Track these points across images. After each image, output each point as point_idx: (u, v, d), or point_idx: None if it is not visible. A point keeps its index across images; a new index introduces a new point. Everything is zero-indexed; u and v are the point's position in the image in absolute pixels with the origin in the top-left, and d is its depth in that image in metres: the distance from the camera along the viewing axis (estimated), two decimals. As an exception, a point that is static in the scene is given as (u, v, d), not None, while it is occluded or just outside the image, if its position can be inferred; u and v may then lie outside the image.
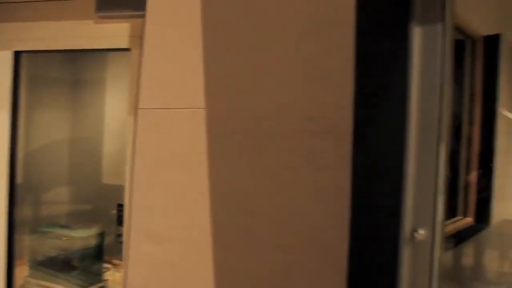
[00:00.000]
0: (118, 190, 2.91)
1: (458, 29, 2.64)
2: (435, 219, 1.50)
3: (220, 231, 1.31)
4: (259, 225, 1.40)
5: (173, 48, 1.44)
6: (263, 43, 1.35)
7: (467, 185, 2.79)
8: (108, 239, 4.27)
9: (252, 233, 1.38)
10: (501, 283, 3.12)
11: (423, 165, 1.48)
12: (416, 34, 1.49)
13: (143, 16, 1.56)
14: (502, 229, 3.00)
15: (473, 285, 3.19)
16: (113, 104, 5.08)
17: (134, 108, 2.16)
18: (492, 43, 2.74)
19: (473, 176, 2.77)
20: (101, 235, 4.29)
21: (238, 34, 1.30)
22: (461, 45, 2.78)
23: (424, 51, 1.48)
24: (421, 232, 1.49)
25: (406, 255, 1.51)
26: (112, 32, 2.77)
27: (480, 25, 2.71)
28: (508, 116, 2.93)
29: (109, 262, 4.22)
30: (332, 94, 1.30)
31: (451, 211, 2.85)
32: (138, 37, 2.62)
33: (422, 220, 1.50)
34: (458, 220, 2.76)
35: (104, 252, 4.27)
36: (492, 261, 3.05)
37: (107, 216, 3.50)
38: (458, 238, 2.64)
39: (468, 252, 2.93)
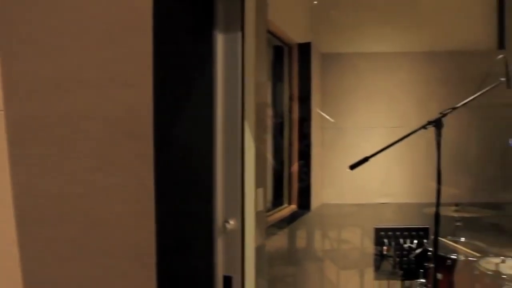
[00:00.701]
0: None
1: (276, 36, 2.93)
2: (244, 209, 1.64)
3: (27, 241, 1.22)
4: (67, 231, 1.34)
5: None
6: (64, 45, 1.30)
7: (290, 176, 3.13)
8: None
9: (61, 240, 1.32)
10: (325, 258, 3.58)
11: (231, 161, 1.61)
12: (219, 41, 1.61)
13: None
14: (321, 212, 3.44)
15: (304, 263, 3.59)
16: None
17: None
18: (305, 49, 3.12)
19: (295, 167, 3.11)
20: None
21: (38, 35, 1.24)
22: (280, 51, 3.10)
23: (227, 56, 1.61)
24: (232, 222, 1.62)
25: (219, 244, 1.63)
26: None
27: (295, 33, 3.06)
28: (321, 114, 3.37)
29: None
30: (134, 96, 1.33)
31: (278, 200, 3.16)
32: None
33: (232, 211, 1.63)
34: (284, 208, 3.08)
35: None
36: (316, 241, 3.48)
37: None
38: (285, 224, 2.94)
39: (295, 235, 3.28)
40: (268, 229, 2.63)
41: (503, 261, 2.53)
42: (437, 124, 2.22)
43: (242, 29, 1.62)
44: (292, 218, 3.06)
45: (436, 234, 2.36)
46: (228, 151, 1.61)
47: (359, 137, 3.30)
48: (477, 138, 3.62)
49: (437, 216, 2.34)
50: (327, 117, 3.39)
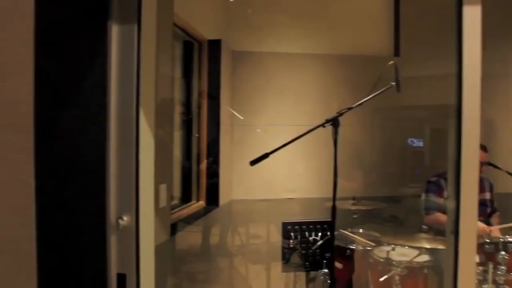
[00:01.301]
0: None
1: (186, 32, 2.91)
2: (139, 205, 1.60)
3: None
4: None
5: None
6: None
7: (199, 173, 3.13)
8: None
9: None
10: (235, 253, 3.64)
11: (124, 156, 1.57)
12: (114, 32, 1.56)
13: None
14: (229, 208, 3.49)
15: (213, 259, 3.61)
16: None
17: None
18: (215, 46, 3.13)
19: (204, 164, 3.12)
20: None
21: None
22: (190, 46, 3.08)
23: (122, 48, 1.56)
24: (126, 219, 1.58)
25: (112, 241, 1.58)
26: None
27: (206, 30, 3.06)
28: (231, 111, 3.42)
29: None
30: (12, 88, 1.24)
31: (187, 196, 3.14)
32: None
33: (126, 207, 1.59)
34: (192, 204, 3.07)
35: None
36: (224, 237, 3.52)
37: None
38: (192, 220, 2.93)
39: (203, 231, 3.29)
40: (174, 225, 2.61)
41: (393, 249, 2.77)
42: (334, 122, 2.36)
43: (139, 21, 1.58)
44: (199, 215, 3.07)
45: (333, 227, 2.52)
46: (121, 146, 1.57)
47: (267, 134, 3.40)
48: (381, 137, 3.90)
49: (333, 209, 2.49)
50: (237, 114, 3.44)
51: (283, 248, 3.46)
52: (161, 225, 2.30)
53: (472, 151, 1.37)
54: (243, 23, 3.51)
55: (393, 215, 3.86)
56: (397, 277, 2.57)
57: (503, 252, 2.44)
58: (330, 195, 3.46)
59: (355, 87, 2.69)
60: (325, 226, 3.29)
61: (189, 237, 3.01)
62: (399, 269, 2.58)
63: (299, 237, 3.49)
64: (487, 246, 2.54)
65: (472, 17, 1.35)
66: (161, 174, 2.22)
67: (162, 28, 2.10)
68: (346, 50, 3.70)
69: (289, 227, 3.45)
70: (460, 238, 1.39)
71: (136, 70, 1.57)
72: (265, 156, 2.36)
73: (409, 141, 3.82)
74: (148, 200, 1.68)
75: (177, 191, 3.03)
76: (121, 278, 1.60)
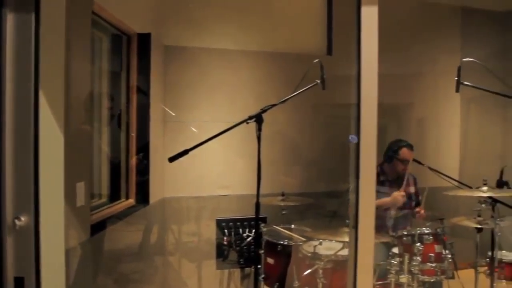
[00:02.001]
0: None
1: (113, 25, 2.81)
2: (39, 204, 1.53)
3: None
4: None
5: None
6: None
7: (128, 170, 3.04)
8: None
9: None
10: (167, 252, 3.58)
11: (22, 154, 1.49)
12: (9, 22, 1.47)
13: None
14: (161, 206, 3.43)
15: (149, 258, 3.54)
16: None
17: None
18: (145, 40, 3.05)
19: (133, 161, 3.04)
20: None
21: None
22: (119, 40, 2.98)
23: (18, 39, 1.48)
24: (23, 219, 1.50)
25: (9, 243, 1.50)
26: None
27: (135, 23, 2.97)
28: (162, 107, 3.35)
29: None
30: None
31: (115, 194, 3.05)
32: None
33: (24, 207, 1.51)
34: (121, 202, 2.98)
35: None
36: (155, 235, 3.45)
37: None
38: (118, 219, 2.84)
39: (135, 230, 3.21)
40: (102, 224, 2.52)
41: (320, 243, 2.83)
42: (258, 119, 2.37)
43: (37, 9, 1.50)
44: (128, 213, 2.98)
45: (257, 222, 2.54)
46: (18, 144, 1.49)
47: (201, 131, 3.36)
48: (323, 134, 3.98)
49: (257, 206, 2.52)
50: (168, 110, 3.38)
51: (218, 245, 3.47)
52: (79, 225, 2.21)
53: (369, 145, 1.41)
54: (176, 17, 3.45)
55: (332, 210, 3.95)
56: (320, 271, 2.63)
57: (418, 244, 2.56)
58: (264, 191, 3.49)
59: (289, 84, 2.70)
60: (260, 222, 3.32)
61: (118, 236, 2.92)
62: (322, 263, 2.64)
63: (233, 233, 3.51)
64: (405, 238, 2.66)
65: (370, 17, 1.39)
66: (78, 172, 2.13)
67: (76, 18, 2.01)
68: (281, 47, 3.73)
69: (223, 224, 3.46)
70: (359, 231, 1.43)
71: (34, 63, 1.49)
72: (185, 152, 2.34)
73: (350, 137, 3.92)
74: (55, 199, 1.60)
75: (105, 189, 2.93)
76: (19, 281, 1.52)
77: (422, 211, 3.09)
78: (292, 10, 3.81)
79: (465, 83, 2.55)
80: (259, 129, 2.38)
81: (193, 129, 3.34)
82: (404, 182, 3.02)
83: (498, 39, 4.35)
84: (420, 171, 3.27)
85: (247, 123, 2.39)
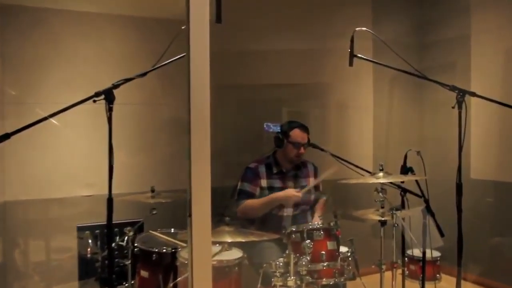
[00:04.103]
0: None
1: None
2: None
3: None
4: None
5: None
6: None
7: None
8: None
9: None
10: (10, 271, 2.82)
11: None
12: None
13: None
14: (1, 213, 2.68)
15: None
16: None
17: None
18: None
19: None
20: None
21: None
22: None
23: None
24: None
25: None
26: None
27: None
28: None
29: None
30: None
31: None
32: None
33: None
34: None
35: None
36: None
37: None
38: None
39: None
40: None
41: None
42: (107, 96, 1.80)
43: None
44: None
45: (109, 219, 1.99)
46: None
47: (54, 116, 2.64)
48: (233, 121, 3.47)
49: (109, 202, 1.99)
50: (8, 89, 2.63)
51: (81, 260, 2.78)
52: None
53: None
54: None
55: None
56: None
57: (308, 241, 2.21)
58: (136, 189, 2.90)
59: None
60: (135, 227, 2.74)
61: None
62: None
63: (99, 243, 2.85)
64: (293, 235, 2.29)
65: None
66: None
67: None
68: (148, 11, 3.12)
69: (87, 231, 2.78)
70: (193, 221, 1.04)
71: None
72: (6, 137, 1.70)
73: (265, 125, 3.38)
74: None
75: None
76: None
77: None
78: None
79: (358, 55, 2.26)
80: (109, 109, 1.82)
81: (40, 111, 2.61)
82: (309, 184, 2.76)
83: (414, 13, 4.23)
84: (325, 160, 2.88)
85: (94, 101, 1.82)
